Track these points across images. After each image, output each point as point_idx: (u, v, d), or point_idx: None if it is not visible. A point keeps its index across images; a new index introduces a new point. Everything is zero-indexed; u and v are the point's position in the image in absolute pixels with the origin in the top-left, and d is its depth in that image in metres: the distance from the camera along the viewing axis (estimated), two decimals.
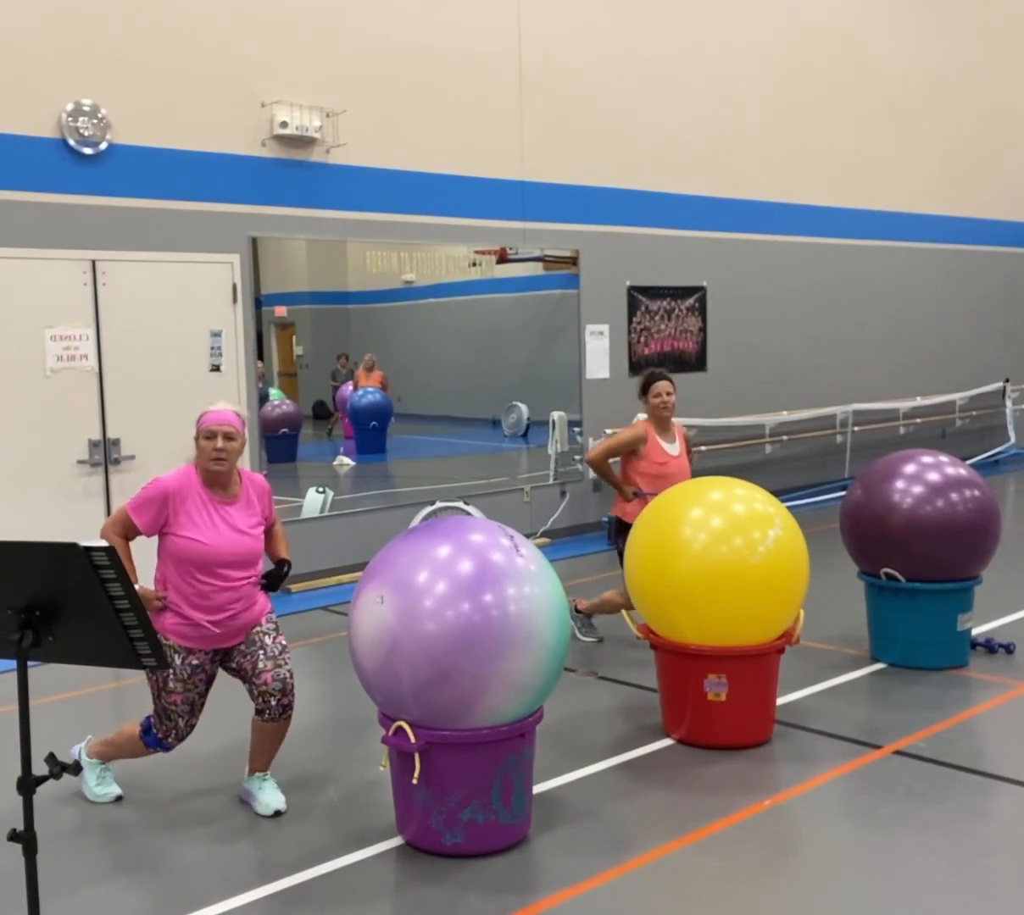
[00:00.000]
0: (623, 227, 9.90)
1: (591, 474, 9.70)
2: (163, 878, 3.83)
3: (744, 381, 10.81)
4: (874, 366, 12.21)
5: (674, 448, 6.26)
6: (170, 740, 4.24)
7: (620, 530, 6.20)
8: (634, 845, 3.94)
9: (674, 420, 6.37)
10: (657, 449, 6.20)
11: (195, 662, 4.16)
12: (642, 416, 6.44)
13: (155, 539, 4.19)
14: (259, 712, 4.20)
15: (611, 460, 6.30)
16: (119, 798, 4.40)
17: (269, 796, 4.27)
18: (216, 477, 4.17)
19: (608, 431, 9.58)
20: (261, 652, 4.19)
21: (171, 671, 4.12)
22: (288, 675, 4.20)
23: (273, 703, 4.16)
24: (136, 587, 3.84)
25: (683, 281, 10.43)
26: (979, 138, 13.38)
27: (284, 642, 4.28)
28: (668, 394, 6.20)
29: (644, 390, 6.29)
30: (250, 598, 4.23)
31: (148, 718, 4.25)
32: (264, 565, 4.34)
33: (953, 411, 13.07)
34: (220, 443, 4.10)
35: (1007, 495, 11.54)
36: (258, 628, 4.25)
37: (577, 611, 6.46)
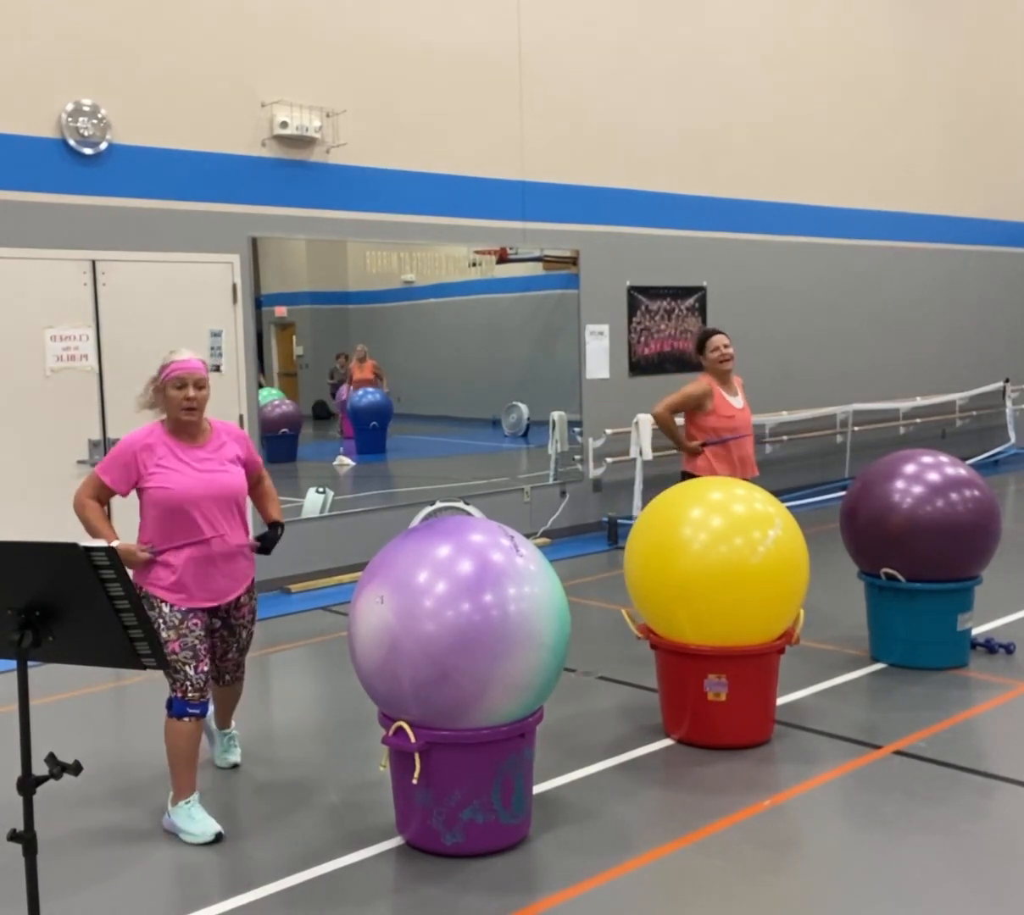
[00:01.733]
0: (623, 227, 9.90)
1: (591, 474, 9.71)
2: (163, 878, 3.83)
3: (745, 381, 10.79)
4: (874, 366, 12.21)
5: (739, 400, 6.38)
6: (190, 694, 4.03)
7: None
8: (634, 845, 3.95)
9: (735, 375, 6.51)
10: (724, 403, 6.29)
11: (184, 608, 4.08)
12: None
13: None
14: (216, 680, 4.43)
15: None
16: (219, 835, 4.03)
17: (233, 755, 4.70)
18: (186, 427, 4.13)
19: (608, 432, 9.59)
20: (235, 644, 4.38)
21: (160, 620, 4.02)
22: (244, 660, 4.49)
23: (227, 677, 4.48)
24: (116, 543, 3.88)
25: (683, 281, 10.43)
26: (979, 138, 13.38)
27: (254, 630, 4.45)
28: (726, 347, 6.33)
29: (700, 346, 6.40)
30: (237, 546, 4.19)
31: (168, 699, 4.15)
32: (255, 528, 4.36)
33: (953, 411, 13.07)
34: (192, 392, 4.06)
35: (1007, 495, 11.54)
36: (241, 620, 4.33)
37: None
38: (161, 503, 4.06)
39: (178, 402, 4.07)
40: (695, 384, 6.35)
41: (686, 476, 6.35)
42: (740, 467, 6.27)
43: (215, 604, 4.18)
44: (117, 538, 4.04)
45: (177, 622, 4.06)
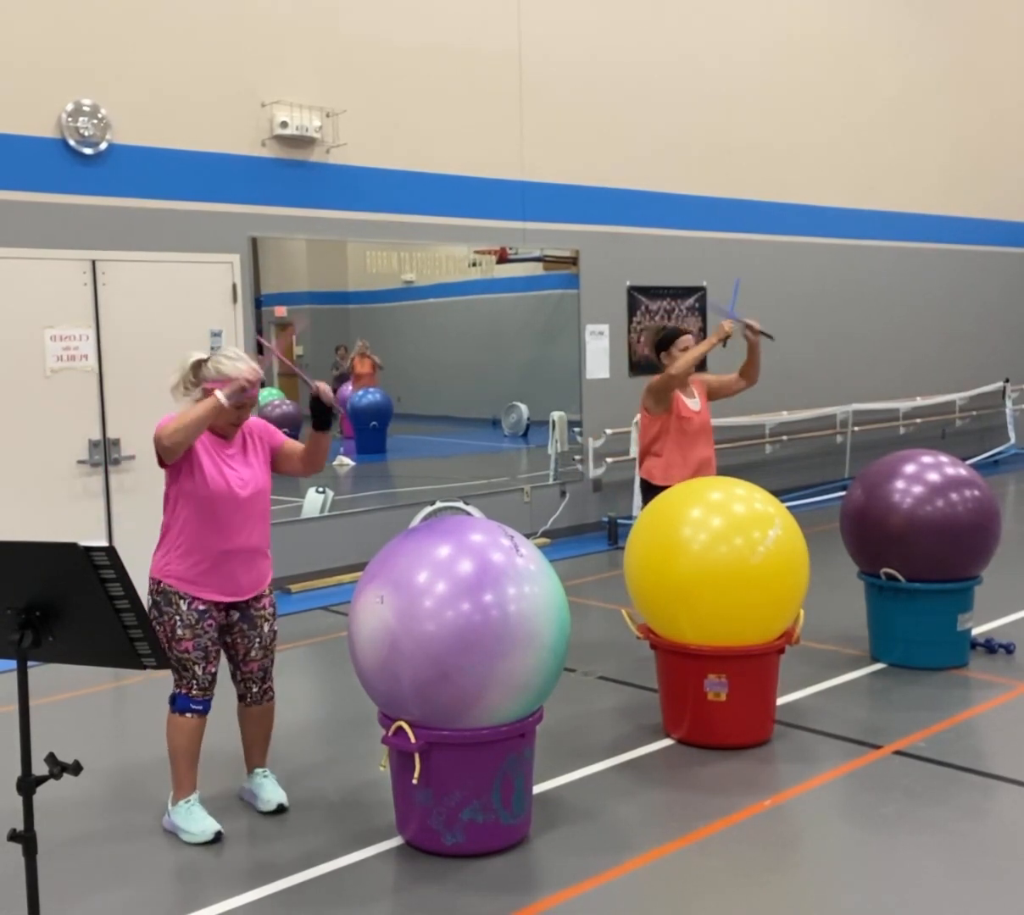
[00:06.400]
0: (623, 227, 9.90)
1: (591, 474, 9.71)
2: (163, 878, 3.83)
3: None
4: (874, 366, 12.21)
5: (695, 403, 6.21)
6: (194, 692, 4.06)
7: (647, 490, 6.18)
8: (634, 845, 3.95)
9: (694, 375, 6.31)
10: (681, 403, 6.12)
11: (201, 608, 4.06)
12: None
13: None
14: (241, 697, 4.27)
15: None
16: (219, 834, 4.03)
17: (270, 792, 4.28)
18: (224, 432, 4.17)
19: (608, 432, 9.59)
20: (257, 640, 4.22)
21: (178, 618, 4.02)
22: (271, 664, 4.29)
23: (254, 689, 4.26)
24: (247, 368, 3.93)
25: (683, 281, 10.43)
26: (980, 138, 13.37)
27: (277, 628, 4.32)
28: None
29: (666, 344, 6.18)
30: (259, 545, 4.19)
31: (171, 695, 4.15)
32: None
33: (953, 411, 13.07)
34: (247, 413, 4.15)
35: (1007, 495, 11.54)
36: (261, 611, 4.23)
37: None
38: (193, 496, 4.05)
39: (230, 417, 4.09)
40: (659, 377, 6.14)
41: (645, 484, 6.20)
42: (700, 473, 6.10)
43: (233, 599, 4.14)
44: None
45: (193, 621, 4.06)
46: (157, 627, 4.04)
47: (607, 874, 3.73)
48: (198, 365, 4.13)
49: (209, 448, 4.11)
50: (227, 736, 4.73)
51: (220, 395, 3.94)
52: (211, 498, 4.05)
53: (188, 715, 4.08)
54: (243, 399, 4.05)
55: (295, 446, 4.33)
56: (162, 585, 4.08)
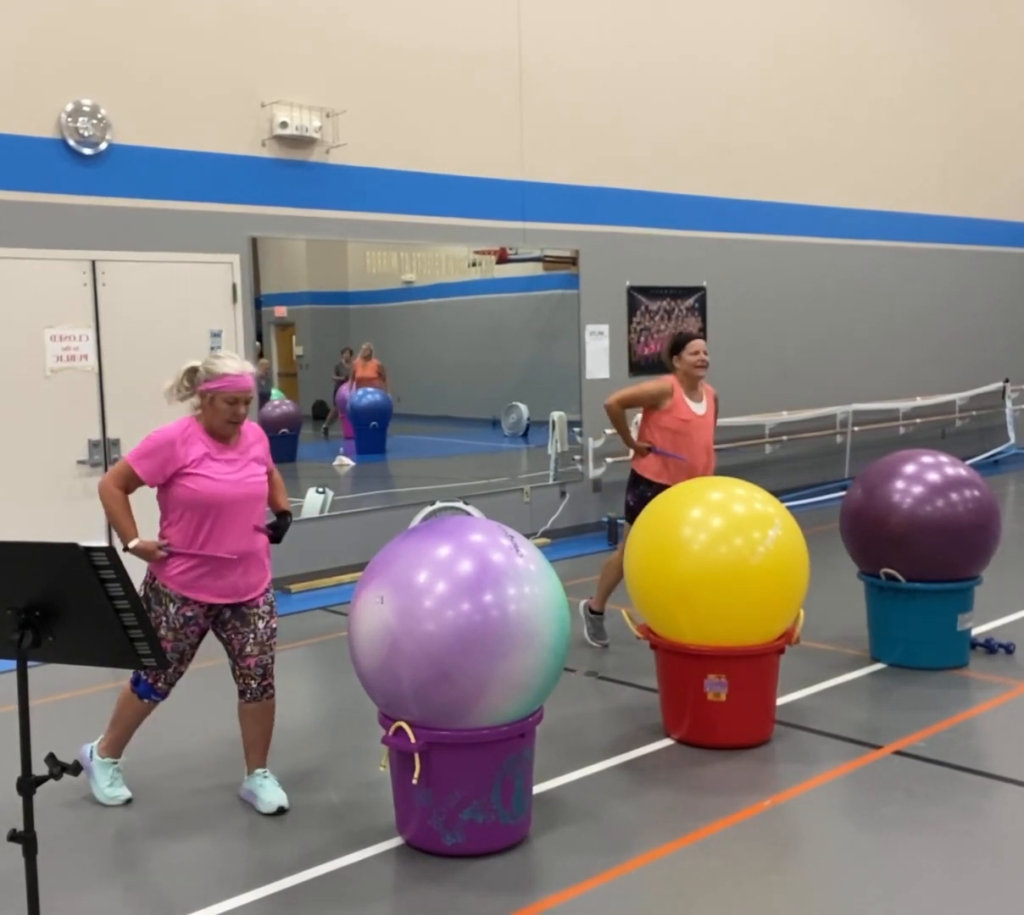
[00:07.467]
0: (623, 227, 9.90)
1: (591, 474, 9.71)
2: (163, 878, 3.83)
3: (744, 381, 10.80)
4: (874, 366, 12.21)
5: (700, 407, 6.17)
6: (160, 685, 4.23)
7: (634, 482, 6.20)
8: (634, 845, 3.94)
9: (707, 385, 6.30)
10: (683, 404, 6.09)
11: (189, 614, 4.15)
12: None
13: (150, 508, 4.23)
14: (241, 693, 4.29)
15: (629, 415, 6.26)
16: (128, 801, 4.36)
17: (271, 794, 4.28)
18: (224, 433, 4.20)
19: (608, 432, 9.59)
20: (252, 636, 4.25)
21: (164, 618, 4.12)
22: (270, 661, 4.32)
23: (253, 685, 4.27)
24: (135, 543, 4.03)
25: (683, 281, 10.43)
26: (980, 138, 13.37)
27: (275, 625, 4.34)
28: (705, 352, 6.12)
29: (677, 348, 6.16)
30: (256, 549, 4.23)
31: (136, 671, 4.23)
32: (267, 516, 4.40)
33: (953, 411, 13.06)
34: (242, 409, 4.16)
35: (1007, 495, 11.54)
36: (255, 609, 4.26)
37: (592, 612, 6.44)
38: (190, 503, 4.09)
39: (226, 415, 4.12)
40: (658, 382, 6.17)
41: (634, 475, 6.20)
42: (690, 476, 6.00)
43: (226, 601, 4.20)
44: (137, 534, 4.09)
45: (178, 625, 4.16)
46: None
47: (607, 874, 3.73)
48: (193, 371, 4.17)
49: (209, 453, 4.13)
50: (230, 738, 4.74)
51: (133, 544, 4.07)
52: (208, 505, 4.09)
53: (146, 700, 4.27)
54: (152, 557, 4.12)
55: (267, 472, 4.36)
56: (156, 583, 4.16)
